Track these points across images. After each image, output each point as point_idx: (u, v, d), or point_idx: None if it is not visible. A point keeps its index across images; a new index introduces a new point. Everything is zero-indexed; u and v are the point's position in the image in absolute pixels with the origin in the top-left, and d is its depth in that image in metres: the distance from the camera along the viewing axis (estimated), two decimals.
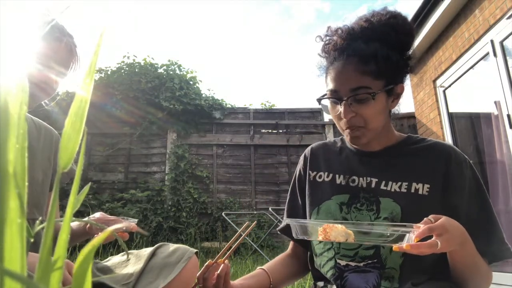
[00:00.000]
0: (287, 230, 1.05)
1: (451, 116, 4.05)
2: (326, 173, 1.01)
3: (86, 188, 0.26)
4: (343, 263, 0.90)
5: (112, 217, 1.05)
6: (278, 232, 1.11)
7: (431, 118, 4.32)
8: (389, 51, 0.86)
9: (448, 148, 0.91)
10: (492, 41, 3.16)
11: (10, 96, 0.20)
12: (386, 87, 0.86)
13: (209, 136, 6.20)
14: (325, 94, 0.92)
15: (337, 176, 0.99)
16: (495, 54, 3.12)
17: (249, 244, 4.85)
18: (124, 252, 1.09)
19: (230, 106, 6.48)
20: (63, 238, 0.21)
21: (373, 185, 0.92)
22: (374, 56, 0.84)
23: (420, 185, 0.88)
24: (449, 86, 3.99)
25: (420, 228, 0.66)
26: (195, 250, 1.04)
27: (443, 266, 0.83)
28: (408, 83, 0.96)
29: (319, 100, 0.94)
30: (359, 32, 0.88)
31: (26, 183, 0.20)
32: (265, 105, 6.58)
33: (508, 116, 2.98)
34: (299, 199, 1.08)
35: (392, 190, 0.90)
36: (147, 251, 1.04)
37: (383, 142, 0.96)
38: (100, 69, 6.18)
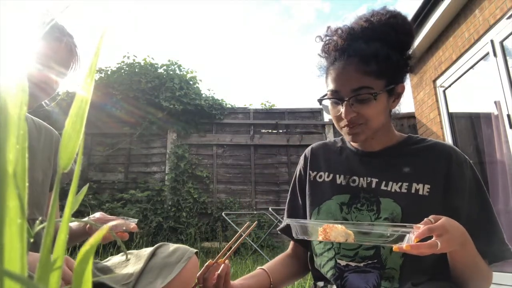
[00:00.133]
0: (287, 230, 1.05)
1: (451, 116, 4.05)
2: (327, 173, 1.01)
3: (85, 189, 0.26)
4: (343, 263, 0.90)
5: (112, 217, 1.05)
6: (278, 232, 1.11)
7: (431, 118, 4.32)
8: (389, 51, 0.86)
9: (449, 148, 0.91)
10: (492, 41, 3.16)
11: (10, 96, 0.20)
12: (387, 87, 0.86)
13: (209, 136, 6.20)
14: (326, 95, 0.92)
15: (337, 176, 0.99)
16: (495, 54, 3.12)
17: (249, 244, 4.85)
18: (124, 253, 1.09)
19: (230, 106, 6.48)
20: (62, 238, 0.21)
21: (373, 185, 0.92)
22: (375, 56, 0.84)
23: (420, 186, 0.88)
24: (449, 86, 3.99)
25: (420, 228, 0.66)
26: (195, 250, 1.04)
27: (443, 266, 0.83)
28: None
29: (320, 101, 0.94)
30: (359, 32, 0.88)
31: (27, 184, 0.20)
32: (265, 105, 6.58)
33: (508, 116, 2.98)
34: (300, 199, 1.07)
35: (393, 190, 0.90)
36: (147, 251, 1.04)
37: (383, 142, 0.96)
38: (100, 69, 6.18)
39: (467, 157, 0.91)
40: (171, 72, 6.27)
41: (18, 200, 0.19)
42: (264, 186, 6.02)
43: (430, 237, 0.66)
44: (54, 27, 0.98)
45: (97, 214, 1.06)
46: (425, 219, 0.69)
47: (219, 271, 0.87)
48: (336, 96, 0.88)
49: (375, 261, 0.86)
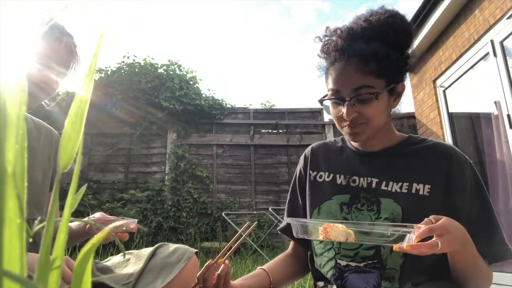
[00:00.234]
0: (287, 229, 1.05)
1: (451, 116, 4.05)
2: (327, 173, 1.01)
3: (83, 188, 0.26)
4: (343, 263, 0.90)
5: (112, 217, 1.05)
6: (279, 232, 1.11)
7: (431, 118, 4.32)
8: (389, 50, 0.86)
9: (449, 148, 0.91)
10: (492, 41, 3.16)
11: (9, 96, 0.20)
12: (387, 86, 0.86)
13: (209, 136, 6.20)
14: (326, 95, 0.92)
15: (337, 176, 0.99)
16: (495, 54, 3.12)
17: (249, 244, 4.86)
18: (123, 253, 1.09)
19: (230, 106, 6.48)
20: (61, 238, 0.21)
21: (373, 185, 0.92)
22: (375, 56, 0.84)
23: (421, 186, 0.88)
24: (449, 86, 3.99)
25: (420, 228, 0.66)
26: (195, 250, 1.04)
27: (443, 266, 0.83)
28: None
29: (320, 101, 0.94)
30: (359, 32, 0.88)
31: (26, 184, 0.20)
32: (265, 105, 6.58)
33: (508, 116, 2.98)
34: (300, 199, 1.07)
35: (393, 190, 0.90)
36: (147, 251, 1.04)
37: (384, 142, 0.96)
38: (100, 69, 6.18)
39: (467, 157, 0.91)
40: (171, 72, 6.27)
41: (17, 200, 0.19)
42: (264, 186, 6.02)
43: (430, 237, 0.66)
44: (54, 27, 0.98)
45: (97, 214, 1.06)
46: (426, 219, 0.69)
47: (219, 271, 0.87)
48: (337, 96, 0.88)
49: (375, 261, 0.86)
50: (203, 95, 6.33)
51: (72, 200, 0.22)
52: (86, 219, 1.07)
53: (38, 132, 1.10)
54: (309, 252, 1.06)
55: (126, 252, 1.10)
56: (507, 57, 3.04)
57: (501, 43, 3.07)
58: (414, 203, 0.86)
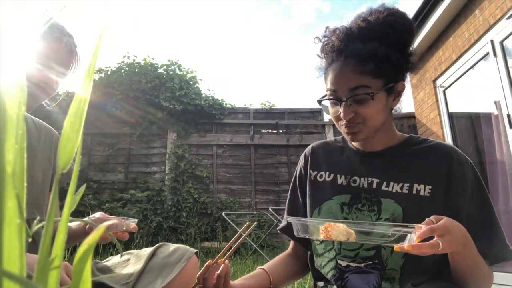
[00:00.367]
0: (287, 229, 1.05)
1: (451, 116, 4.05)
2: (327, 173, 1.01)
3: (82, 188, 0.26)
4: (343, 263, 0.90)
5: (112, 217, 1.05)
6: (279, 232, 1.11)
7: (431, 118, 4.32)
8: (387, 50, 0.86)
9: (450, 149, 0.91)
10: (492, 41, 3.16)
11: (8, 96, 0.20)
12: (385, 85, 0.86)
13: (209, 136, 6.20)
14: (325, 95, 0.92)
15: (338, 176, 0.99)
16: (495, 54, 3.12)
17: (249, 244, 4.85)
18: (124, 252, 1.09)
19: (230, 106, 6.48)
20: (61, 238, 0.21)
21: (374, 185, 0.92)
22: (372, 56, 0.84)
23: (421, 186, 0.87)
24: (449, 86, 3.99)
25: (421, 228, 0.66)
26: (195, 250, 1.04)
27: (444, 266, 0.83)
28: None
29: (319, 101, 0.94)
30: (356, 32, 0.88)
31: (25, 184, 0.20)
32: (265, 105, 6.58)
33: (508, 116, 2.98)
34: (300, 198, 1.07)
35: (394, 191, 0.89)
36: (147, 251, 1.04)
37: (384, 142, 0.96)
38: (100, 69, 6.18)
39: (468, 158, 0.91)
40: (171, 72, 6.27)
41: (16, 200, 0.19)
42: (264, 186, 6.02)
43: (431, 237, 0.66)
44: (54, 27, 0.98)
45: (97, 214, 1.06)
46: (427, 219, 0.69)
47: (219, 271, 0.87)
48: (335, 97, 0.88)
49: (376, 261, 0.86)
50: (203, 95, 6.33)
51: (71, 200, 0.22)
52: (86, 219, 1.07)
53: (38, 132, 1.10)
54: (309, 252, 1.06)
55: (126, 252, 1.10)
56: (507, 57, 3.04)
57: (501, 43, 3.07)
58: (415, 203, 0.86)
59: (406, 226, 0.69)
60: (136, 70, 6.20)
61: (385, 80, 0.86)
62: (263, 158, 6.17)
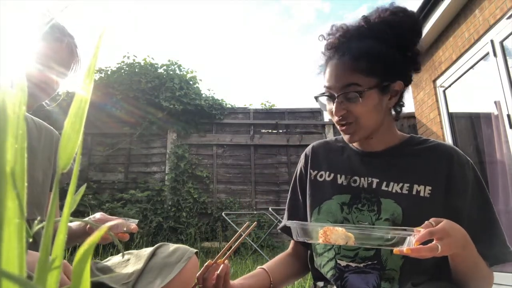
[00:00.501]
0: (288, 229, 1.05)
1: (451, 116, 4.05)
2: (327, 173, 1.01)
3: (82, 189, 0.26)
4: (343, 263, 0.90)
5: (113, 218, 1.05)
6: (279, 231, 1.11)
7: (431, 118, 4.32)
8: (384, 49, 0.87)
9: (451, 149, 0.91)
10: (492, 41, 3.16)
11: (9, 96, 0.20)
12: (380, 84, 0.86)
13: (209, 136, 6.20)
14: (322, 92, 0.93)
15: (338, 176, 0.99)
16: (495, 54, 3.12)
17: (249, 244, 4.86)
18: (124, 252, 1.09)
19: (230, 106, 6.48)
20: (61, 238, 0.21)
21: (374, 185, 0.92)
22: (365, 54, 0.85)
23: (421, 187, 0.87)
24: (449, 86, 3.99)
25: (420, 231, 0.66)
26: (195, 250, 1.04)
27: (444, 267, 0.83)
28: None
29: (316, 98, 0.95)
30: (353, 31, 0.90)
31: (25, 184, 0.20)
32: (265, 105, 6.58)
33: (508, 116, 2.98)
34: (300, 198, 1.07)
35: (393, 191, 0.89)
36: (147, 251, 1.04)
37: (385, 142, 0.96)
38: (100, 69, 6.18)
39: (469, 158, 0.91)
40: (171, 72, 6.27)
41: (16, 200, 0.19)
42: (264, 186, 6.02)
43: (431, 240, 0.66)
44: (55, 27, 0.98)
45: (98, 215, 1.06)
46: (426, 222, 0.69)
47: (218, 271, 0.87)
48: (329, 93, 0.90)
49: (375, 262, 0.86)
50: (203, 95, 6.33)
51: (71, 200, 0.22)
52: (86, 219, 1.07)
53: (38, 132, 1.10)
54: (309, 252, 1.06)
55: (126, 252, 1.10)
56: (507, 57, 3.04)
57: (501, 43, 3.07)
58: (414, 204, 0.86)
59: (405, 229, 0.69)
60: (136, 70, 6.20)
61: (379, 79, 0.86)
62: (263, 158, 6.17)
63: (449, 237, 0.65)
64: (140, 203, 5.49)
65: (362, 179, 0.94)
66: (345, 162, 1.00)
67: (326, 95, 0.91)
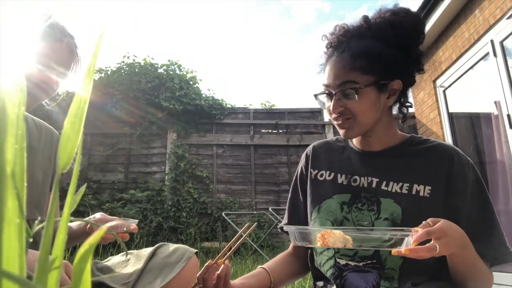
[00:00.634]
0: None
1: (451, 116, 4.05)
2: (328, 172, 1.01)
3: (82, 189, 0.26)
4: (342, 262, 0.90)
5: (113, 218, 1.05)
6: (279, 231, 1.12)
7: (431, 118, 4.32)
8: (383, 48, 0.87)
9: (451, 149, 0.91)
10: (492, 41, 3.16)
11: (8, 96, 0.20)
12: (377, 82, 0.87)
13: (209, 136, 6.20)
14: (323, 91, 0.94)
15: (338, 175, 0.99)
16: (495, 54, 3.12)
17: (249, 244, 4.86)
18: (124, 252, 1.09)
19: (230, 106, 6.48)
20: (61, 238, 0.21)
21: (374, 185, 0.92)
22: (364, 53, 0.86)
23: (421, 187, 0.87)
24: (449, 86, 3.99)
25: (418, 232, 0.66)
26: (195, 250, 1.04)
27: (443, 267, 0.83)
28: None
29: (316, 96, 0.96)
30: (354, 31, 0.91)
31: (25, 183, 0.20)
32: (265, 105, 6.59)
33: (508, 116, 2.98)
34: (301, 197, 1.08)
35: (393, 190, 0.89)
36: (147, 251, 1.04)
37: (385, 142, 0.96)
38: (100, 69, 6.18)
39: (469, 159, 0.91)
40: (171, 72, 6.27)
41: (16, 200, 0.19)
42: (264, 186, 6.02)
43: (429, 240, 0.66)
44: (55, 27, 0.98)
45: (98, 215, 1.06)
46: (424, 222, 0.69)
47: (219, 271, 0.87)
48: (327, 91, 0.91)
49: (375, 261, 0.86)
50: (203, 95, 6.33)
51: (71, 200, 0.22)
52: (86, 219, 1.07)
53: (38, 132, 1.10)
54: (309, 251, 1.06)
55: (126, 252, 1.10)
56: (507, 57, 3.04)
57: (501, 43, 3.07)
58: (414, 204, 0.86)
59: (403, 230, 0.69)
60: (136, 70, 6.20)
61: (376, 77, 0.87)
62: (263, 158, 6.17)
63: (446, 236, 0.65)
64: (140, 203, 5.49)
65: (362, 178, 0.95)
66: (346, 161, 1.00)
67: (325, 93, 0.92)
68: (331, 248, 0.93)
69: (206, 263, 0.91)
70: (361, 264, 0.88)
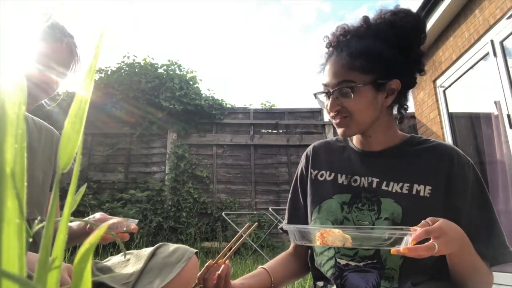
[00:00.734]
0: None
1: (451, 116, 4.05)
2: (328, 172, 1.01)
3: (82, 189, 0.26)
4: (343, 262, 0.90)
5: (113, 218, 1.05)
6: (279, 231, 1.12)
7: (431, 118, 4.32)
8: (382, 47, 0.87)
9: (451, 149, 0.91)
10: (492, 41, 3.16)
11: (8, 96, 0.20)
12: (374, 81, 0.87)
13: (209, 136, 6.20)
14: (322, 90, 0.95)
15: (339, 175, 0.99)
16: (495, 54, 3.12)
17: (249, 244, 4.86)
18: (123, 253, 1.08)
19: (230, 106, 6.48)
20: (61, 238, 0.21)
21: (374, 185, 0.92)
22: (362, 52, 0.87)
23: (421, 187, 0.87)
24: (449, 86, 3.99)
25: (417, 231, 0.66)
26: (195, 250, 1.03)
27: (443, 266, 0.83)
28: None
29: (315, 95, 0.97)
30: (354, 31, 0.92)
31: (25, 183, 0.20)
32: (265, 105, 6.59)
33: (508, 116, 2.98)
34: (301, 197, 1.08)
35: (393, 190, 0.90)
36: (147, 251, 1.04)
37: (385, 142, 0.96)
38: (100, 69, 6.18)
39: (469, 159, 0.91)
40: (171, 72, 6.27)
41: (16, 200, 0.19)
42: (264, 186, 6.02)
43: (428, 239, 0.66)
44: (55, 27, 0.98)
45: (97, 215, 1.05)
46: (423, 221, 0.69)
47: (219, 271, 0.87)
48: (326, 90, 0.92)
49: (375, 261, 0.86)
50: (203, 95, 6.33)
51: (71, 200, 0.22)
52: (86, 219, 1.06)
53: (39, 132, 1.10)
54: (309, 251, 1.06)
55: (126, 252, 1.10)
56: (507, 57, 3.04)
57: (501, 43, 3.07)
58: (414, 204, 0.86)
59: (402, 229, 0.69)
60: (136, 70, 6.20)
61: (375, 77, 0.87)
62: (263, 158, 6.17)
63: (445, 236, 0.66)
64: (140, 203, 5.49)
65: (363, 178, 0.95)
66: (346, 161, 1.00)
67: (323, 92, 0.93)
68: (332, 248, 0.93)
69: (207, 263, 0.91)
70: (361, 264, 0.88)
